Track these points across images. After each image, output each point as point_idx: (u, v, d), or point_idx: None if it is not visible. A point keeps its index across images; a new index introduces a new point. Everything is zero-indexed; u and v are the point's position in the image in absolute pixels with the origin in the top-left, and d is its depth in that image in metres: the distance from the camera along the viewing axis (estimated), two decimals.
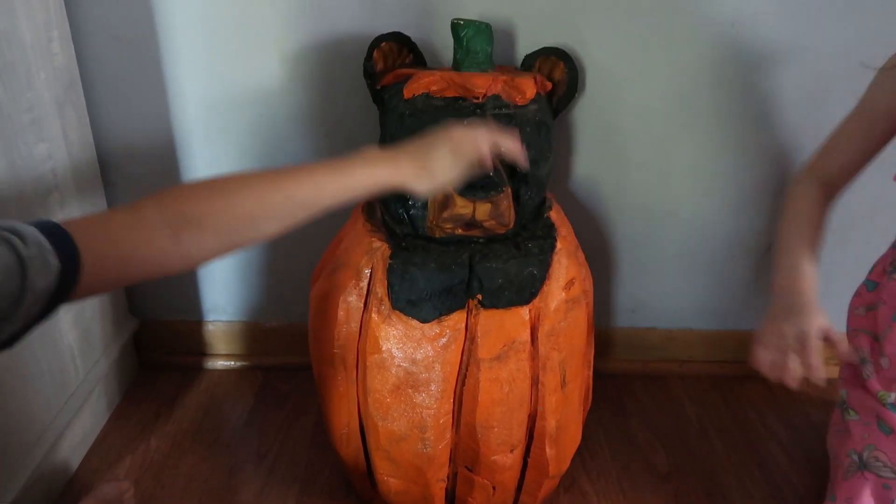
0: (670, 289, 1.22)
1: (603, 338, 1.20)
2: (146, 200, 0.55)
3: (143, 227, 0.54)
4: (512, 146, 0.77)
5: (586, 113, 1.07)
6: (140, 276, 0.55)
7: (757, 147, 1.10)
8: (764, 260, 1.19)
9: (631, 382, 1.24)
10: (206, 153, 1.09)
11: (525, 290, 0.80)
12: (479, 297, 0.79)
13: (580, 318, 0.87)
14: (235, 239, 0.59)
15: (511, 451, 0.84)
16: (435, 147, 0.72)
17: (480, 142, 0.74)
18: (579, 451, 1.02)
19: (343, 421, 0.88)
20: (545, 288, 0.82)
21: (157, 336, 1.22)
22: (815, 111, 1.04)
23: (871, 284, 0.89)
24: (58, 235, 0.49)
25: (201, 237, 0.56)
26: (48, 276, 0.47)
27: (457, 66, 0.90)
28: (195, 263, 0.57)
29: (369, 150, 0.69)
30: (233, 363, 1.25)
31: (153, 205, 0.55)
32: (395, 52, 0.94)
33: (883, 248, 0.89)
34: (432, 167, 0.71)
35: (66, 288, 0.49)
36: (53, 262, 0.48)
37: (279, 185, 0.62)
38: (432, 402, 0.81)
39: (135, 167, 1.10)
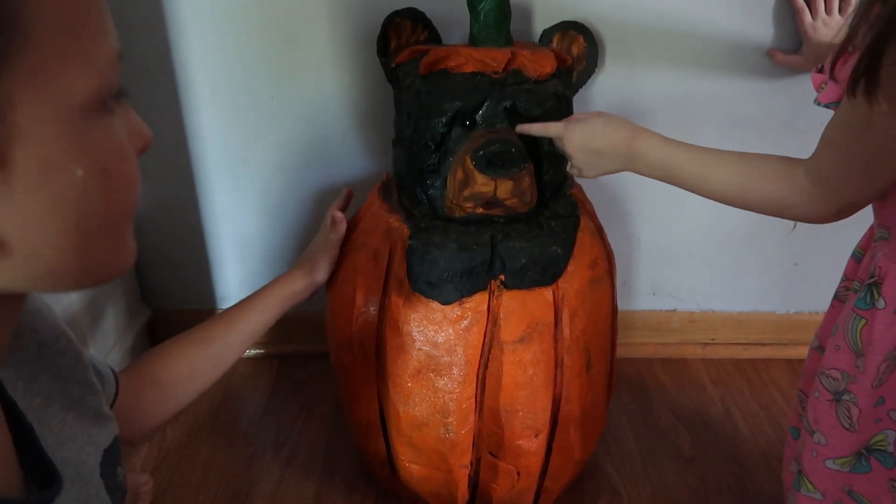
0: (691, 270, 1.19)
1: (623, 321, 1.18)
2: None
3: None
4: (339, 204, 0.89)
5: (605, 89, 1.04)
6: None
7: (780, 123, 1.07)
8: (789, 239, 1.16)
9: (652, 366, 1.22)
10: (218, 140, 1.07)
11: (549, 270, 0.78)
12: (502, 277, 0.77)
13: (604, 299, 0.85)
14: (182, 387, 0.70)
15: (536, 435, 0.81)
16: (311, 250, 0.85)
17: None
18: (602, 436, 1.00)
19: (363, 407, 0.86)
20: (569, 268, 0.79)
21: (170, 324, 1.20)
22: None
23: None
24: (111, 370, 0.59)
25: (156, 391, 0.67)
26: (111, 395, 0.57)
27: (473, 41, 0.87)
28: (157, 420, 0.68)
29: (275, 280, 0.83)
30: (248, 352, 1.22)
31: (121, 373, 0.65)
32: (410, 28, 0.91)
33: None
34: (314, 256, 0.84)
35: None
36: (114, 387, 0.58)
37: (197, 330, 0.74)
38: (454, 386, 0.79)
39: (148, 157, 1.08)
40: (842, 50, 0.56)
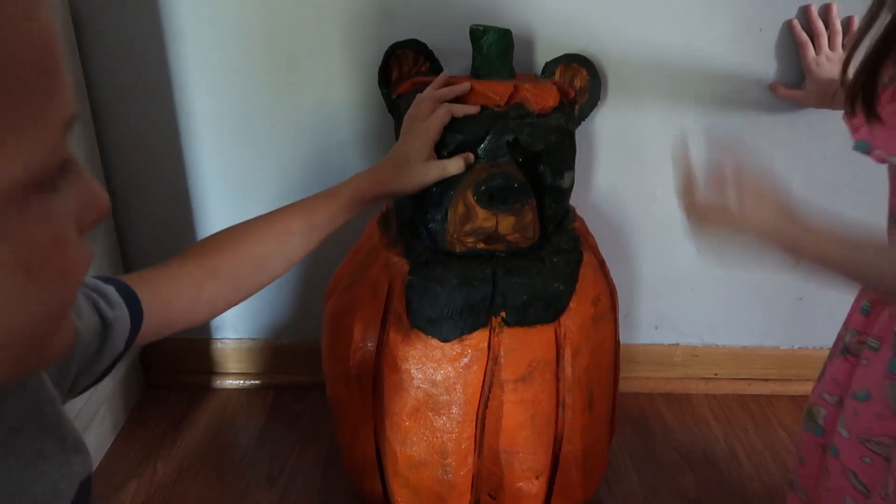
0: (694, 304, 1.17)
1: (625, 355, 1.16)
2: (174, 259, 0.60)
3: (176, 282, 0.57)
4: (463, 109, 0.79)
5: (607, 122, 1.03)
6: (171, 330, 0.57)
7: (784, 156, 1.06)
8: (793, 274, 1.14)
9: (654, 401, 1.20)
10: (216, 165, 1.06)
11: (551, 307, 0.76)
12: (503, 314, 0.75)
13: (607, 335, 0.84)
14: (248, 283, 0.63)
15: (537, 477, 0.79)
16: (401, 141, 0.77)
17: (433, 110, 0.77)
18: (605, 476, 0.98)
19: (359, 445, 0.84)
20: (571, 304, 0.78)
21: (164, 354, 1.19)
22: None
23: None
24: (128, 296, 0.51)
25: (219, 286, 0.60)
26: (124, 336, 0.50)
27: (476, 73, 0.87)
28: (217, 312, 0.61)
29: (355, 174, 0.75)
30: (242, 382, 1.21)
31: (180, 262, 0.59)
32: (412, 59, 0.91)
33: None
34: (407, 159, 0.75)
35: (129, 346, 0.52)
36: (128, 322, 0.50)
37: (276, 222, 0.66)
38: (453, 425, 0.77)
39: (143, 181, 1.07)
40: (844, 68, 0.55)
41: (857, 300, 0.71)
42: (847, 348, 0.68)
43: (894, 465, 0.59)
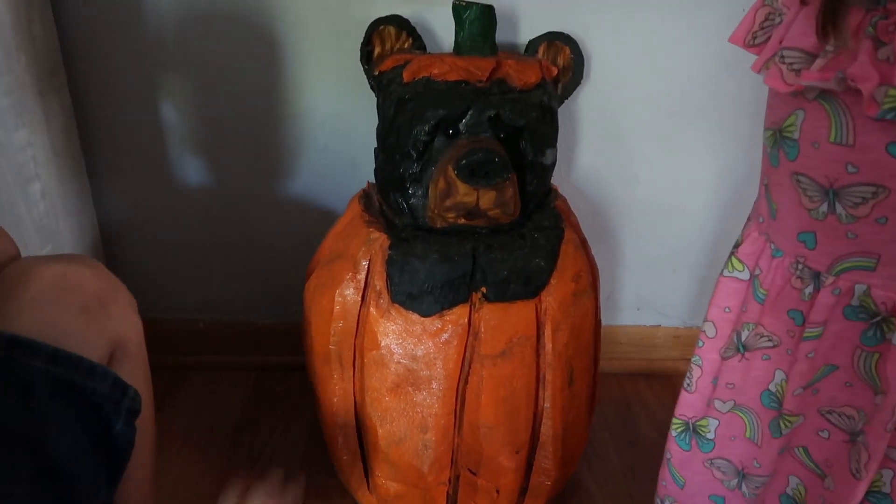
0: (676, 285, 1.18)
1: (607, 336, 1.16)
2: None
3: None
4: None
5: (590, 102, 1.03)
6: None
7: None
8: None
9: (636, 381, 1.21)
10: (194, 144, 1.05)
11: (531, 283, 0.76)
12: (484, 289, 0.75)
13: (588, 313, 0.84)
14: None
15: (516, 452, 0.80)
16: None
17: None
18: (584, 453, 0.98)
19: (339, 422, 0.83)
20: (552, 281, 0.78)
21: (146, 333, 1.18)
22: None
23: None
24: None
25: None
26: None
27: (458, 49, 0.86)
28: None
29: None
30: (224, 363, 1.20)
31: None
32: (394, 36, 0.90)
33: None
34: None
35: None
36: None
37: None
38: (433, 400, 0.77)
39: (121, 156, 1.06)
40: None
41: (728, 293, 0.69)
42: (745, 346, 0.66)
43: (868, 437, 0.59)
